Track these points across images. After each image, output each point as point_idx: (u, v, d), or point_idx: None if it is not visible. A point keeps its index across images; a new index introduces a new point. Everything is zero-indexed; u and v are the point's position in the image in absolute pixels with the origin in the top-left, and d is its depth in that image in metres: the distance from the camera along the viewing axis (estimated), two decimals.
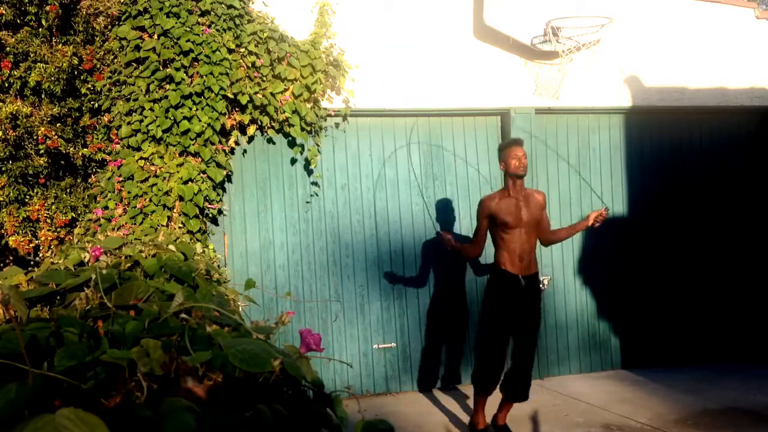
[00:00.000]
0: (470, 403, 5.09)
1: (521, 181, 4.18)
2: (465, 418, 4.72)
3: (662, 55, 6.06)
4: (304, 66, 4.96)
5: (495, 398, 4.29)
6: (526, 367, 4.13)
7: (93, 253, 1.98)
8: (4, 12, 5.51)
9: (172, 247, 2.23)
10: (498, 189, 4.59)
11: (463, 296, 5.64)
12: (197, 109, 4.59)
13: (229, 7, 4.81)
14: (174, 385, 1.00)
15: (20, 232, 5.54)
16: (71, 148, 5.63)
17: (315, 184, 5.32)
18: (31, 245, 5.55)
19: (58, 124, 5.62)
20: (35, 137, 5.48)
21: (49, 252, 5.40)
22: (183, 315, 1.26)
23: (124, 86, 4.76)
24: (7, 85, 5.59)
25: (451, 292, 5.61)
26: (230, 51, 4.79)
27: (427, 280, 5.59)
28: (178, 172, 4.47)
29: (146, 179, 4.47)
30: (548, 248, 5.72)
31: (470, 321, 5.63)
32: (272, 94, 4.92)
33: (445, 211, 5.64)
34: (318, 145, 5.17)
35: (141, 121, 4.57)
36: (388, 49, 5.41)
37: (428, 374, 5.55)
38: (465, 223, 5.65)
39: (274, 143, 5.24)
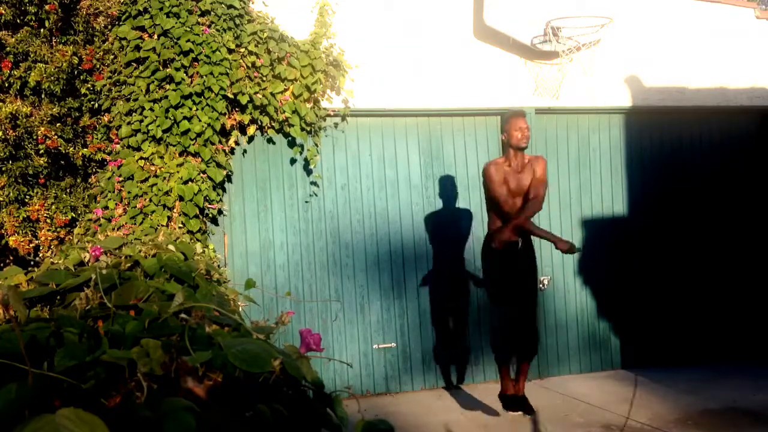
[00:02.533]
0: (472, 402, 5.09)
1: (522, 153, 4.27)
2: (465, 418, 4.72)
3: (662, 55, 6.06)
4: (304, 66, 4.95)
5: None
6: (530, 323, 4.26)
7: (93, 253, 1.98)
8: (4, 12, 5.51)
9: (172, 247, 2.23)
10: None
11: (466, 289, 5.64)
12: (197, 109, 4.59)
13: (229, 7, 4.81)
14: (174, 385, 1.00)
15: (20, 232, 5.54)
16: (71, 148, 5.63)
17: (315, 184, 5.32)
18: (31, 245, 5.55)
19: (58, 124, 5.62)
20: (35, 137, 5.48)
21: (49, 252, 5.40)
22: (183, 315, 1.26)
23: (124, 86, 4.76)
24: (7, 85, 5.59)
25: (453, 285, 5.61)
26: (230, 51, 4.79)
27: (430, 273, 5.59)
28: (178, 172, 4.47)
29: (146, 179, 4.47)
30: (548, 248, 5.69)
31: (476, 318, 5.63)
32: (272, 94, 4.92)
33: (445, 210, 5.64)
34: (317, 145, 5.17)
35: (141, 121, 4.57)
36: (388, 49, 5.41)
37: (432, 373, 5.54)
38: (465, 224, 5.65)
39: (274, 143, 5.24)
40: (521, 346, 4.27)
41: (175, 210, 4.43)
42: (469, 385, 5.57)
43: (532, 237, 4.34)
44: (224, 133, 4.90)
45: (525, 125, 4.22)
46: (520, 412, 4.30)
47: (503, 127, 4.33)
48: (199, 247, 3.01)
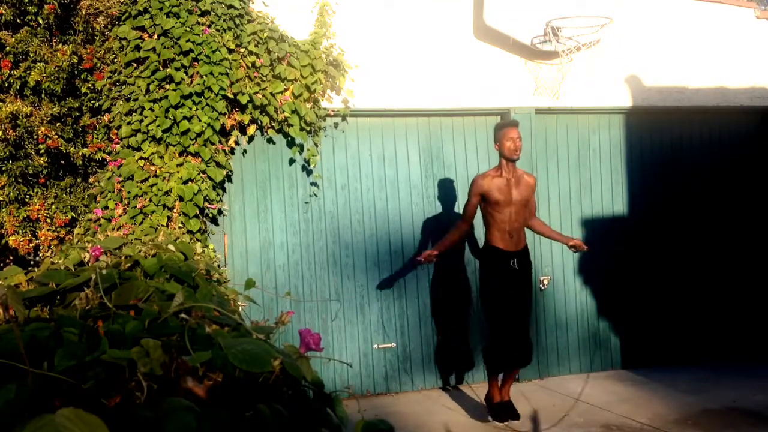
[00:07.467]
0: (472, 402, 5.09)
1: (513, 163, 4.33)
2: (465, 418, 4.72)
3: (662, 55, 6.06)
4: (304, 66, 4.96)
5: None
6: (524, 332, 4.31)
7: (93, 253, 1.98)
8: (3, 12, 5.51)
9: (172, 247, 2.23)
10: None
11: (466, 289, 5.64)
12: (197, 109, 4.59)
13: (229, 7, 4.81)
14: (174, 385, 1.00)
15: (20, 232, 5.54)
16: (71, 148, 5.63)
17: (315, 184, 5.31)
18: (31, 245, 5.55)
19: (58, 124, 5.62)
20: (35, 137, 5.48)
21: (49, 252, 5.40)
22: (183, 315, 1.26)
23: (124, 86, 4.76)
24: (7, 84, 5.59)
25: (453, 286, 5.60)
26: (230, 51, 4.79)
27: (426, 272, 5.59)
28: (178, 172, 4.47)
29: (146, 179, 4.47)
30: (548, 248, 5.74)
31: (476, 318, 5.63)
32: (272, 94, 4.92)
33: (444, 211, 5.63)
34: (317, 145, 5.17)
35: (141, 121, 4.57)
36: (388, 49, 5.41)
37: (432, 373, 5.54)
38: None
39: (274, 143, 5.24)
40: (518, 354, 4.29)
41: (175, 210, 4.43)
42: (469, 385, 5.57)
43: (528, 247, 4.45)
44: (224, 133, 4.90)
45: (517, 135, 4.21)
46: (509, 421, 4.34)
47: (495, 137, 4.35)
48: (199, 247, 3.02)
